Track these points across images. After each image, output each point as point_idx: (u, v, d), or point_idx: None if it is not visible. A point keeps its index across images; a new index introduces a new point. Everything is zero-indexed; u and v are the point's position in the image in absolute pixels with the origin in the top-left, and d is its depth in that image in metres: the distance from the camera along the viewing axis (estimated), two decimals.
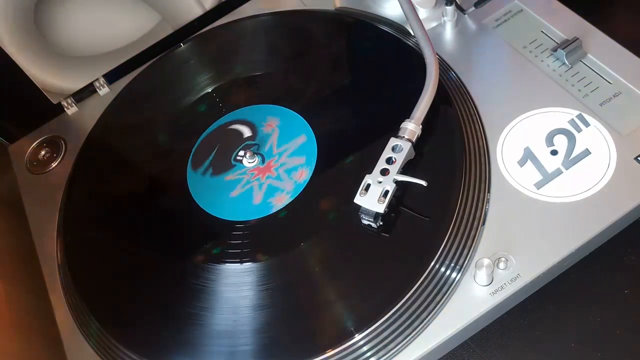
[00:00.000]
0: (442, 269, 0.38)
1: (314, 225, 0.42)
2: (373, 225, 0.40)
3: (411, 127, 0.41)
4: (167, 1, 0.57)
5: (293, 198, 0.44)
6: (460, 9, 0.50)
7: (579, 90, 0.44)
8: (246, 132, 0.50)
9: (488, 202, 0.40)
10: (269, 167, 0.47)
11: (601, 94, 0.43)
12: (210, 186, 0.47)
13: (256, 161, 0.47)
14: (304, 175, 0.45)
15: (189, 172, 0.49)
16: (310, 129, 0.48)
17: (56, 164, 0.54)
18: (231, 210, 0.45)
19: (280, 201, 0.44)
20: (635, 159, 0.40)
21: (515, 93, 0.45)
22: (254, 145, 0.48)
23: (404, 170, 0.40)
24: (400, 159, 0.40)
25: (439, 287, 0.38)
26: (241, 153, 0.48)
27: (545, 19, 0.48)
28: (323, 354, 0.37)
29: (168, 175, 0.50)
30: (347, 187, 0.42)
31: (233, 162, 0.48)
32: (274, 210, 0.44)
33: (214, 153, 0.49)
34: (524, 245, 0.38)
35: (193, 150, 0.50)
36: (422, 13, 0.50)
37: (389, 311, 0.37)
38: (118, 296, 0.44)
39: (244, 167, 0.47)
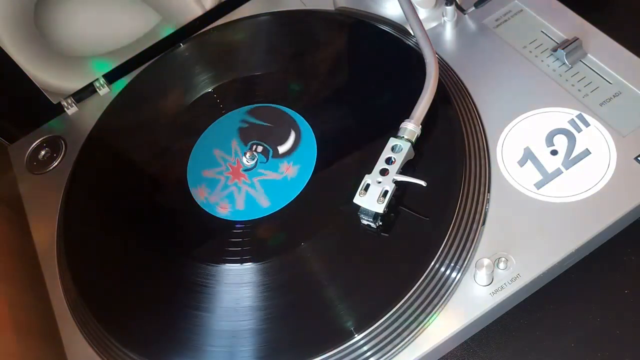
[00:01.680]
0: (442, 269, 0.38)
1: (314, 225, 0.42)
2: (372, 225, 0.40)
3: (411, 127, 0.41)
4: (167, 1, 0.57)
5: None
6: (460, 9, 0.50)
7: (579, 90, 0.44)
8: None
9: (488, 202, 0.40)
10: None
11: (601, 94, 0.43)
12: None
13: (256, 160, 0.47)
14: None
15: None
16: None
17: (56, 164, 0.54)
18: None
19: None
20: (635, 159, 0.40)
21: (515, 93, 0.45)
22: (259, 146, 0.49)
23: (403, 170, 0.40)
24: (399, 159, 0.40)
25: (439, 287, 0.38)
26: (249, 154, 0.48)
27: (545, 19, 0.48)
28: (323, 354, 0.37)
29: (168, 174, 0.50)
30: (346, 187, 0.42)
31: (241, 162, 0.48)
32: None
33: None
34: (524, 245, 0.38)
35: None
36: (422, 13, 0.50)
37: (389, 311, 0.37)
38: (118, 296, 0.44)
39: (245, 167, 0.48)
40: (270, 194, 0.45)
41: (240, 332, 0.39)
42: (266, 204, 0.45)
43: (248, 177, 0.47)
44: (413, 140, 0.41)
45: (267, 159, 0.47)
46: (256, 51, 0.56)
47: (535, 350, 0.41)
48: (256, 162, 0.47)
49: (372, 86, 0.49)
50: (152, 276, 0.44)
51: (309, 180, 0.45)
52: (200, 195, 0.47)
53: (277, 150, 0.48)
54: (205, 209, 0.46)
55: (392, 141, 0.41)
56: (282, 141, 0.48)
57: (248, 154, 0.48)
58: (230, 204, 0.46)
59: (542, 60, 0.46)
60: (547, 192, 0.40)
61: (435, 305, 0.37)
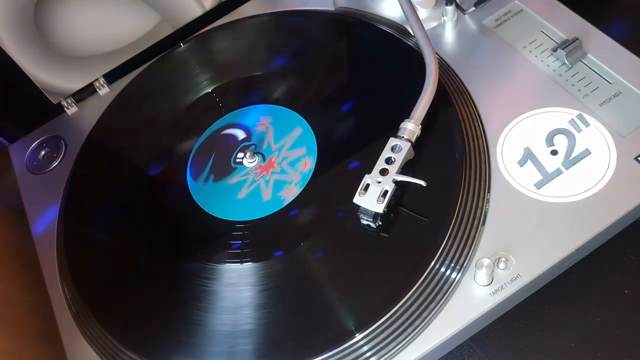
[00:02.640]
0: (442, 269, 0.38)
1: (314, 226, 0.42)
2: (372, 225, 0.40)
3: (410, 127, 0.41)
4: (167, 1, 0.57)
5: (302, 188, 0.44)
6: (460, 9, 0.50)
7: (579, 90, 0.44)
8: (240, 134, 0.50)
9: (488, 202, 0.40)
10: (271, 163, 0.47)
11: (601, 94, 0.43)
12: (215, 192, 0.47)
13: (257, 160, 0.47)
14: (309, 164, 0.45)
15: (189, 172, 0.49)
16: (310, 128, 0.48)
17: (56, 164, 0.54)
18: (241, 211, 0.45)
19: (289, 193, 0.45)
20: (635, 159, 0.40)
21: (515, 93, 0.45)
22: (252, 145, 0.49)
23: (403, 170, 0.40)
24: (399, 159, 0.40)
25: (439, 287, 0.38)
26: (240, 155, 0.48)
27: (545, 19, 0.48)
28: (323, 354, 0.37)
29: (168, 175, 0.50)
30: (346, 188, 0.41)
31: (234, 165, 0.48)
32: (285, 203, 0.44)
33: (211, 160, 0.49)
34: (524, 245, 0.38)
35: (190, 158, 0.50)
36: (422, 13, 0.50)
37: (389, 311, 0.37)
38: (118, 296, 0.44)
39: (246, 167, 0.47)
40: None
41: (240, 332, 0.39)
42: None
43: (249, 177, 0.47)
44: (413, 140, 0.41)
45: (268, 159, 0.47)
46: (256, 51, 0.56)
47: (535, 350, 0.41)
48: (256, 162, 0.47)
49: (372, 86, 0.49)
50: (152, 276, 0.44)
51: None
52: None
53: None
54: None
55: (392, 141, 0.41)
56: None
57: (248, 154, 0.47)
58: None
59: (542, 60, 0.46)
60: (547, 192, 0.40)
61: (435, 306, 0.37)
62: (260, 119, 0.50)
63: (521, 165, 0.42)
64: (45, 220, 0.50)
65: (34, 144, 0.56)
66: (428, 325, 0.37)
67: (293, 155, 0.47)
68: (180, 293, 0.42)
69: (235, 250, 0.43)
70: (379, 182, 0.40)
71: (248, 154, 0.47)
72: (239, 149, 0.49)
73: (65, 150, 0.55)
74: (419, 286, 0.37)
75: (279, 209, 0.44)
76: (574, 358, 0.40)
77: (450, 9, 0.49)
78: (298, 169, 0.46)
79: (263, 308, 0.40)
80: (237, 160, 0.48)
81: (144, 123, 0.54)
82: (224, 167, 0.48)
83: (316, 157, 0.46)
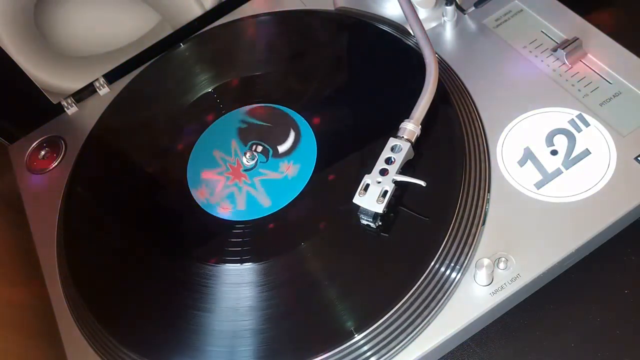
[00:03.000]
0: (442, 269, 0.38)
1: (314, 225, 0.42)
2: (372, 225, 0.40)
3: (410, 127, 0.41)
4: (167, 1, 0.57)
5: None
6: (460, 9, 0.50)
7: (579, 90, 0.44)
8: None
9: (488, 202, 0.40)
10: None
11: (601, 94, 0.43)
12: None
13: (257, 159, 0.47)
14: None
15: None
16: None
17: (56, 164, 0.54)
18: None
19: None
20: (635, 159, 0.40)
21: (515, 93, 0.45)
22: (252, 145, 0.49)
23: (403, 170, 0.40)
24: (399, 159, 0.40)
25: (439, 287, 0.38)
26: (249, 154, 0.48)
27: (545, 19, 0.48)
28: (323, 354, 0.37)
29: (168, 175, 0.50)
30: (346, 187, 0.41)
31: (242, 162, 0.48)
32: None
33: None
34: (524, 245, 0.38)
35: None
36: (422, 13, 0.50)
37: (389, 311, 0.37)
38: (118, 296, 0.44)
39: (245, 167, 0.48)
40: (271, 193, 0.45)
41: (240, 332, 0.39)
42: (267, 204, 0.45)
43: (248, 177, 0.47)
44: (413, 140, 0.41)
45: (267, 159, 0.47)
46: (256, 51, 0.56)
47: (535, 350, 0.41)
48: (256, 162, 0.47)
49: (371, 86, 0.49)
50: (152, 276, 0.44)
51: (309, 180, 0.45)
52: (201, 196, 0.47)
53: (277, 150, 0.48)
54: (206, 210, 0.46)
55: (392, 141, 0.41)
56: (282, 141, 0.48)
57: (248, 154, 0.47)
58: (232, 205, 0.46)
59: (542, 60, 0.46)
60: (547, 192, 0.40)
61: (435, 305, 0.37)
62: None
63: (521, 165, 0.42)
64: (45, 220, 0.50)
65: (34, 144, 0.56)
66: (428, 325, 0.37)
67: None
68: (180, 293, 0.42)
69: (235, 250, 0.43)
70: (379, 182, 0.40)
71: (248, 154, 0.47)
72: (241, 146, 0.49)
73: (65, 150, 0.55)
74: (419, 286, 0.37)
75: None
76: (574, 358, 0.40)
77: (450, 9, 0.49)
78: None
79: (263, 308, 0.40)
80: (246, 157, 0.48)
81: (144, 123, 0.54)
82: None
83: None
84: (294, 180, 0.45)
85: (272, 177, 0.46)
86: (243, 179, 0.47)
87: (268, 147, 0.48)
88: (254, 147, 0.49)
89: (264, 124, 0.50)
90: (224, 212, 0.45)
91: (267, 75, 0.53)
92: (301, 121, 0.48)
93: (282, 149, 0.48)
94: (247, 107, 0.51)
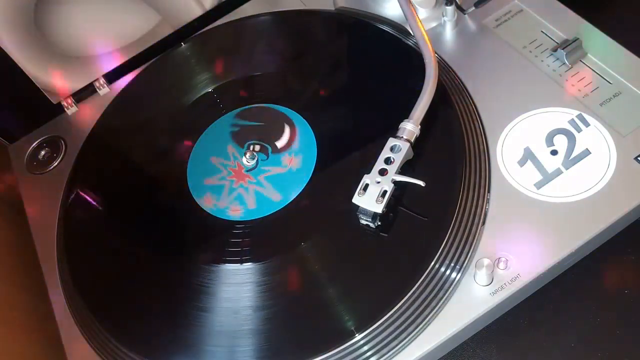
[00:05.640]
0: (442, 269, 0.38)
1: (313, 225, 0.42)
2: (371, 225, 0.40)
3: (410, 127, 0.41)
4: (167, 1, 0.57)
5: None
6: (460, 9, 0.50)
7: (579, 90, 0.44)
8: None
9: (488, 202, 0.40)
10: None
11: (601, 94, 0.43)
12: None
13: (257, 159, 0.47)
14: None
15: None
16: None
17: (56, 164, 0.54)
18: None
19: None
20: (635, 159, 0.40)
21: (515, 93, 0.45)
22: (252, 145, 0.48)
23: (402, 170, 0.40)
24: (398, 159, 0.40)
25: (439, 287, 0.38)
26: (248, 154, 0.48)
27: (545, 19, 0.48)
28: (323, 354, 0.37)
29: (168, 174, 0.50)
30: (346, 187, 0.41)
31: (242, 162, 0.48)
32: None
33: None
34: (524, 245, 0.38)
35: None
36: (422, 13, 0.50)
37: (389, 311, 0.37)
38: (118, 296, 0.44)
39: (247, 167, 0.48)
40: (279, 187, 0.45)
41: (240, 332, 0.39)
42: (277, 198, 0.45)
43: (253, 177, 0.47)
44: (412, 140, 0.41)
45: (268, 156, 0.47)
46: (256, 51, 0.56)
47: (535, 350, 0.41)
48: (257, 160, 0.47)
49: (371, 86, 0.49)
50: (152, 276, 0.44)
51: (309, 180, 0.45)
52: (207, 202, 0.46)
53: (275, 146, 0.48)
54: (216, 215, 0.46)
55: (391, 141, 0.41)
56: (278, 136, 0.48)
57: (247, 155, 0.47)
58: (242, 205, 0.45)
59: (542, 60, 0.46)
60: (547, 192, 0.40)
61: (435, 305, 0.37)
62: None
63: (521, 165, 0.42)
64: (45, 220, 0.50)
65: (34, 144, 0.56)
66: (428, 325, 0.37)
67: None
68: (180, 293, 0.42)
69: (235, 250, 0.43)
70: (378, 182, 0.40)
71: (248, 155, 0.47)
72: (239, 149, 0.49)
73: (65, 150, 0.55)
74: (419, 286, 0.37)
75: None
76: (574, 358, 0.40)
77: (450, 9, 0.49)
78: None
79: (263, 308, 0.40)
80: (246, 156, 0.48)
81: (144, 123, 0.54)
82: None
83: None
84: (299, 171, 0.46)
85: (277, 172, 0.46)
86: (248, 179, 0.47)
87: (265, 144, 0.48)
88: (251, 147, 0.48)
89: (256, 123, 0.50)
90: (235, 214, 0.45)
91: (267, 75, 0.53)
92: (301, 121, 0.48)
93: (280, 143, 0.48)
94: (236, 111, 0.51)
